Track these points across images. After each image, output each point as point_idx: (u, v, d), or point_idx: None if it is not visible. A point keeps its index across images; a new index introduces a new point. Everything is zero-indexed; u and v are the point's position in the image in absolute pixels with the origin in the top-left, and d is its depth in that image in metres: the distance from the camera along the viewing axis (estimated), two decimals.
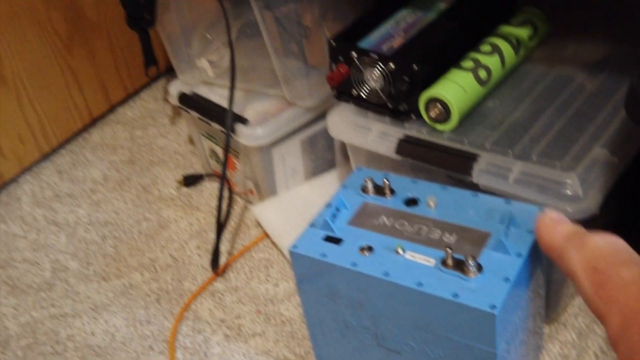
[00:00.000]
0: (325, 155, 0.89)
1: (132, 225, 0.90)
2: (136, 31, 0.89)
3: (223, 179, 0.79)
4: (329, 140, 0.88)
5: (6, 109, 0.97)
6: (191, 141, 1.04)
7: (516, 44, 0.70)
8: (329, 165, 0.90)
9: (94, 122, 1.12)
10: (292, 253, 0.57)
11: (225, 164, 0.79)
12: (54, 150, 1.06)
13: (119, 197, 0.95)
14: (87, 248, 0.87)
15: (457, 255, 0.51)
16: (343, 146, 0.89)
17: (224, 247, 0.83)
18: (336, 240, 0.56)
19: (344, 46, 0.69)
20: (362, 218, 0.58)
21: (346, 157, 0.90)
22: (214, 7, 0.87)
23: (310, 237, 0.57)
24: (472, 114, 0.66)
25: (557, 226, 0.42)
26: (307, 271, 0.57)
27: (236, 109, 0.80)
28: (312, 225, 0.59)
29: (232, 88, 0.77)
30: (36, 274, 0.84)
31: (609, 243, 0.39)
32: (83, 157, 1.05)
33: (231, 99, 0.78)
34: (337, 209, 0.59)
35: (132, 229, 0.89)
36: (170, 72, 1.22)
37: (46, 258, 0.86)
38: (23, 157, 1.01)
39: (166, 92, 1.18)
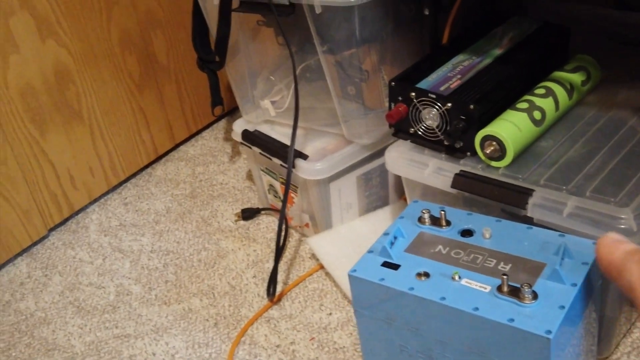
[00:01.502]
0: (379, 192, 0.92)
1: (192, 254, 0.94)
2: (206, 73, 0.95)
3: (283, 209, 0.83)
4: (383, 177, 0.91)
5: (80, 143, 1.04)
6: (249, 177, 1.09)
7: (570, 88, 0.73)
8: (382, 201, 0.93)
9: (158, 158, 1.18)
10: (351, 277, 0.60)
11: (286, 196, 0.83)
12: (121, 183, 1.12)
13: (180, 228, 1.00)
14: (150, 274, 0.91)
15: (512, 283, 0.53)
16: (397, 184, 0.92)
17: (279, 277, 0.86)
18: (394, 266, 0.59)
19: (403, 87, 0.73)
20: (418, 246, 0.61)
21: (399, 194, 0.93)
22: (278, 52, 0.93)
23: (369, 262, 0.60)
24: (526, 153, 0.69)
25: (618, 245, 0.43)
26: (365, 295, 0.60)
27: (296, 146, 0.85)
28: (371, 251, 0.61)
29: (294, 126, 0.82)
30: (101, 296, 0.89)
31: None
32: (147, 191, 1.11)
33: (293, 136, 0.82)
34: (395, 237, 0.62)
35: (192, 257, 0.93)
36: (229, 114, 1.29)
37: (111, 282, 0.91)
38: (92, 189, 1.07)
39: (226, 132, 1.25)
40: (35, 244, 1.00)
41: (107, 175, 1.09)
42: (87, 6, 0.99)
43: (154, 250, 0.96)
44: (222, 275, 0.89)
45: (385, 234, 0.63)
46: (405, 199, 0.91)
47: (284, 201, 0.83)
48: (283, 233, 0.92)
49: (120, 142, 1.10)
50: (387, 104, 0.79)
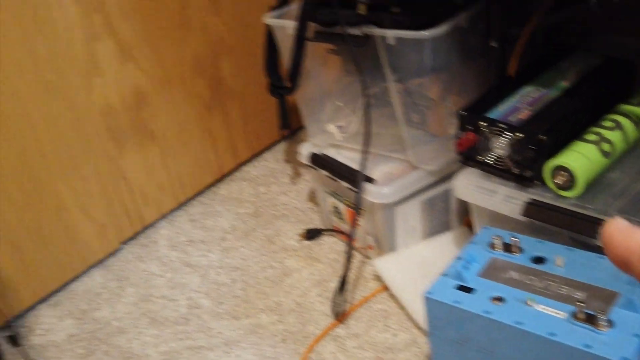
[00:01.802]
0: (441, 217, 0.94)
1: (258, 271, 0.98)
2: (276, 98, 1.00)
3: (353, 231, 0.86)
4: (446, 203, 0.94)
5: (152, 161, 1.09)
6: (311, 199, 1.13)
7: (637, 121, 0.75)
8: (444, 226, 0.95)
9: (222, 177, 1.23)
10: (426, 298, 0.62)
11: (354, 219, 0.86)
12: (188, 200, 1.17)
13: (245, 246, 1.04)
14: (219, 289, 0.95)
15: (587, 310, 0.55)
16: (459, 210, 0.94)
17: (343, 297, 0.89)
18: (468, 290, 0.62)
19: (473, 116, 0.76)
20: (491, 271, 0.63)
21: (461, 220, 0.95)
22: (345, 79, 0.97)
23: (443, 285, 0.63)
24: (595, 183, 0.70)
25: (633, 232, 0.39)
26: (439, 316, 0.63)
27: (360, 169, 0.88)
28: (445, 275, 0.64)
29: (364, 151, 0.85)
30: (173, 309, 0.93)
31: None
32: (213, 208, 1.15)
33: (363, 161, 0.86)
34: (468, 262, 0.65)
35: (258, 274, 0.97)
36: (288, 137, 1.33)
37: (182, 296, 0.95)
38: (162, 205, 1.13)
39: (287, 154, 1.29)
40: (108, 256, 1.06)
41: (176, 193, 1.14)
42: (164, 33, 1.05)
43: (221, 266, 1.00)
44: (288, 292, 0.92)
45: (458, 258, 0.65)
46: (466, 225, 0.94)
47: (353, 222, 0.86)
48: (346, 254, 0.95)
49: (189, 161, 1.15)
50: (452, 132, 0.82)
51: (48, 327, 0.93)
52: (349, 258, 0.87)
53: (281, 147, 1.32)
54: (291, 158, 1.27)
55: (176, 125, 1.12)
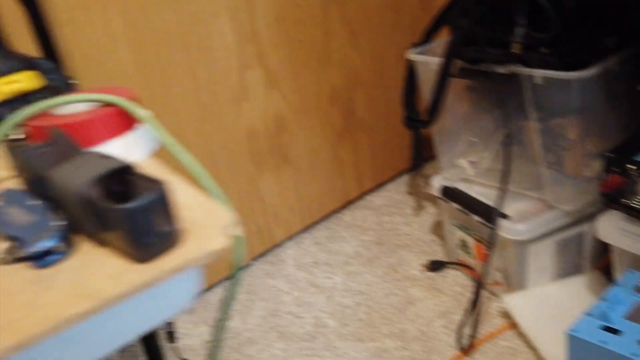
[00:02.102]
0: (574, 259, 0.93)
1: (382, 297, 1.00)
2: (411, 130, 1.03)
3: (484, 265, 0.87)
4: (580, 245, 0.92)
5: (286, 184, 1.15)
6: (434, 231, 1.14)
7: None
8: (575, 269, 0.94)
9: (347, 204, 1.27)
10: (570, 336, 0.62)
11: (484, 254, 0.87)
12: (314, 224, 1.22)
13: (369, 272, 1.07)
14: (343, 311, 0.99)
15: None
16: (593, 253, 0.93)
17: (468, 330, 0.89)
18: (614, 331, 0.61)
19: (620, 158, 0.75)
20: (638, 315, 0.62)
21: (593, 264, 0.93)
22: (482, 115, 0.99)
23: (588, 324, 0.63)
24: None
25: None
26: (582, 355, 0.62)
27: (496, 205, 0.89)
28: (589, 314, 0.64)
29: (503, 189, 0.87)
30: (300, 326, 0.97)
31: None
32: (337, 233, 1.19)
33: (499, 197, 0.87)
34: (613, 304, 0.64)
35: (382, 300, 0.99)
36: (414, 170, 1.35)
37: (308, 314, 0.99)
38: (290, 226, 1.18)
39: (409, 186, 1.32)
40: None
41: (304, 215, 1.20)
42: (307, 65, 1.12)
43: (345, 289, 1.04)
44: (412, 320, 0.94)
45: (603, 299, 0.65)
46: (598, 269, 0.92)
47: (484, 258, 0.87)
48: (472, 288, 0.95)
49: (317, 186, 1.20)
50: (588, 173, 0.81)
51: (185, 331, 0.99)
52: (477, 293, 0.88)
53: (404, 180, 1.35)
54: (413, 190, 1.29)
55: (309, 151, 1.18)
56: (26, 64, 0.44)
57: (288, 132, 1.13)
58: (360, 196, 1.30)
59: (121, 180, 0.30)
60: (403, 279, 1.04)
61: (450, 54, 0.86)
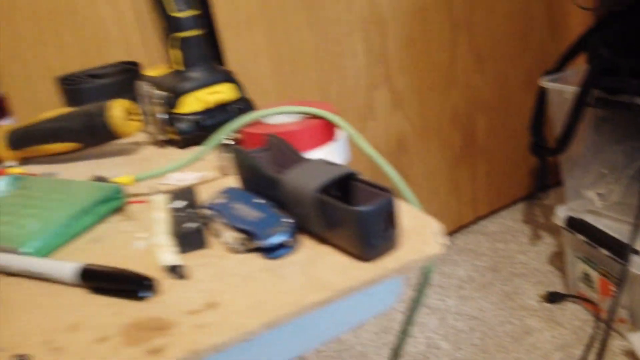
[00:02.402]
0: None
1: (497, 325, 0.99)
2: (538, 157, 1.02)
3: (612, 302, 0.84)
4: None
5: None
6: (551, 261, 1.12)
7: None
8: None
9: (460, 228, 1.27)
10: None
11: (610, 289, 0.84)
12: None
13: (483, 298, 1.06)
14: (457, 334, 0.98)
15: None
16: None
17: None
18: None
19: None
20: None
21: None
22: (613, 147, 0.96)
23: None
24: None
25: None
26: None
27: (627, 240, 0.86)
28: None
29: (636, 224, 0.84)
30: (413, 345, 0.98)
31: None
32: (450, 257, 1.19)
33: (633, 233, 0.84)
34: None
35: (497, 328, 0.98)
36: (527, 199, 1.33)
37: (420, 334, 1.00)
38: None
39: (524, 214, 1.29)
40: None
41: None
42: (431, 87, 1.13)
43: (459, 313, 1.03)
44: (529, 351, 0.92)
45: None
46: None
47: (610, 294, 0.84)
48: (591, 324, 0.93)
49: (432, 208, 1.21)
50: None
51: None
52: (605, 331, 0.85)
53: (519, 207, 1.33)
54: (530, 219, 1.27)
55: (427, 172, 1.19)
56: (226, 77, 0.48)
57: (408, 152, 1.15)
58: (474, 221, 1.29)
59: (339, 185, 0.33)
60: (519, 308, 1.02)
61: (589, 83, 0.85)
